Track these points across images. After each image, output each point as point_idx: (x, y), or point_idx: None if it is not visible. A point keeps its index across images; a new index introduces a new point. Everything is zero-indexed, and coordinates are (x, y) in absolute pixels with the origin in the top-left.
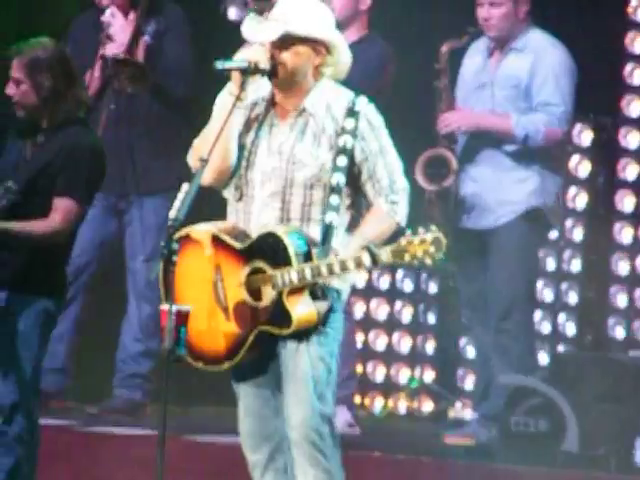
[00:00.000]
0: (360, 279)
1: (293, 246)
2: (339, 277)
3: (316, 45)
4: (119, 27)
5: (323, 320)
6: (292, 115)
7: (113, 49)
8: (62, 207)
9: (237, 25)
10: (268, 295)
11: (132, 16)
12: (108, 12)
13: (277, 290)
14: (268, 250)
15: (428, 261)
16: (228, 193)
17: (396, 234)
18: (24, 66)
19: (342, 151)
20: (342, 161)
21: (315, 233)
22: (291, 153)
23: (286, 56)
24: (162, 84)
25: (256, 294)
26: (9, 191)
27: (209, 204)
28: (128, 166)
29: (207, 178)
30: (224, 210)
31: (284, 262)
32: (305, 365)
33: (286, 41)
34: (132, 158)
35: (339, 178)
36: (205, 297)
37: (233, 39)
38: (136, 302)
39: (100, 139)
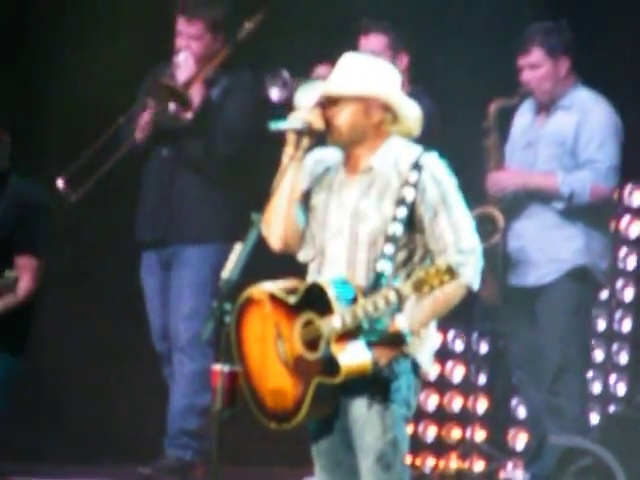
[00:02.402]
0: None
1: (335, 294)
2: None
3: (368, 102)
4: (186, 70)
5: (386, 386)
6: (360, 173)
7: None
8: (28, 267)
9: (279, 105)
10: (320, 345)
11: (203, 67)
12: (182, 55)
13: (325, 339)
14: (315, 301)
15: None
16: (303, 255)
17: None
18: None
19: (402, 202)
20: (402, 212)
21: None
22: (356, 208)
23: (335, 115)
24: (209, 137)
25: (312, 346)
26: None
27: (261, 263)
28: (172, 214)
29: (276, 242)
30: (276, 269)
31: (329, 310)
32: (369, 439)
33: (334, 101)
34: (176, 206)
35: (396, 228)
36: (270, 356)
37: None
38: (179, 359)
39: (38, 186)
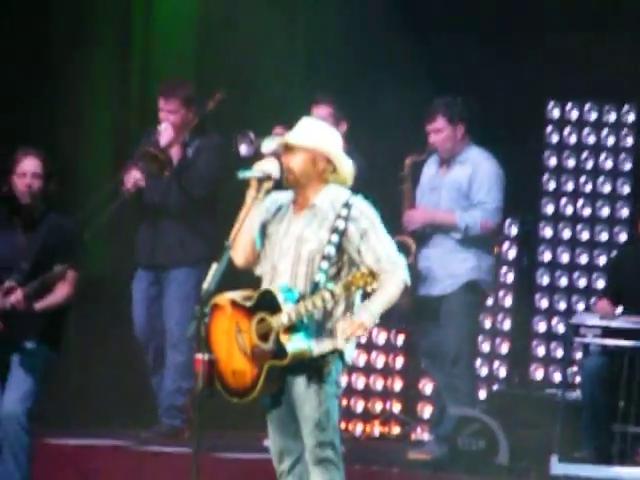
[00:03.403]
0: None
1: (282, 297)
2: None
3: (315, 154)
4: (166, 138)
5: (320, 369)
6: (305, 209)
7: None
8: (69, 278)
9: (246, 160)
10: (271, 337)
11: (179, 133)
12: (164, 125)
13: (275, 331)
14: (267, 303)
15: (368, 289)
16: (259, 270)
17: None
18: (42, 169)
19: (335, 230)
20: (334, 238)
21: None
22: (300, 234)
23: (290, 162)
24: (185, 185)
25: (265, 337)
26: (22, 270)
27: (234, 278)
28: (157, 244)
29: (240, 261)
30: (242, 281)
31: (278, 310)
32: (308, 410)
33: (290, 151)
34: (160, 237)
35: (330, 250)
36: (233, 347)
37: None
38: (171, 352)
39: (69, 216)
